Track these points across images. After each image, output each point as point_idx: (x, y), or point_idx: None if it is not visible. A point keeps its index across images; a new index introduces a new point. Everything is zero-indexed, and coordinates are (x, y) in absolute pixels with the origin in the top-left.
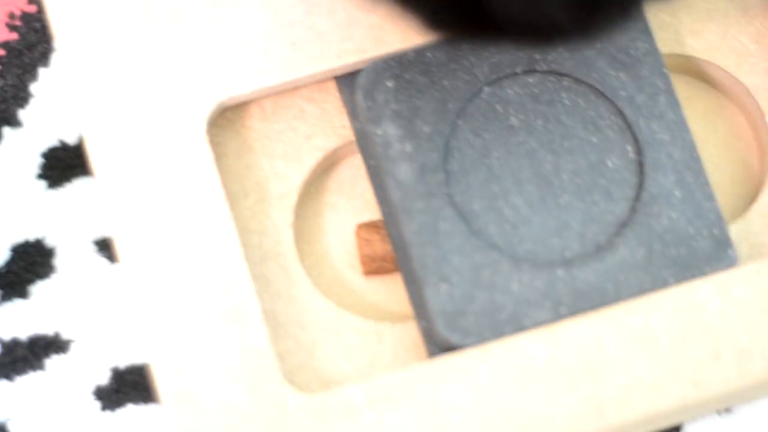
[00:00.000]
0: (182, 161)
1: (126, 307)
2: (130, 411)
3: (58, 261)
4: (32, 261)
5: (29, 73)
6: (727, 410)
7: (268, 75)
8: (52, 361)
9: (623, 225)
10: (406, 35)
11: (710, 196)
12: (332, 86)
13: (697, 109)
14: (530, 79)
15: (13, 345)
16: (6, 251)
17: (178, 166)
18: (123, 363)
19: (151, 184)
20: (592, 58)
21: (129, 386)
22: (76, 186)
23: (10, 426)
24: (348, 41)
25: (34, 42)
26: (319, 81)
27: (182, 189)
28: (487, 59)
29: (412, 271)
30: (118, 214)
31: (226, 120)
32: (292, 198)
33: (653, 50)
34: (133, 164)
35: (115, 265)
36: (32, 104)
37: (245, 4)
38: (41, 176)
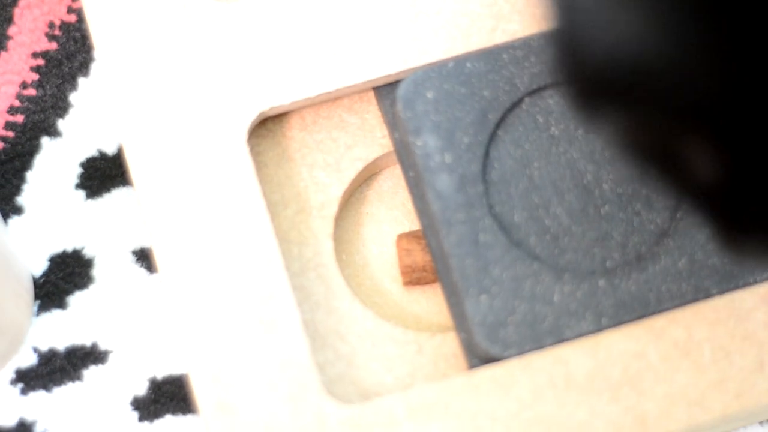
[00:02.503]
0: (223, 171)
1: (164, 317)
2: (168, 422)
3: (96, 271)
4: (70, 271)
5: (69, 83)
6: None
7: (310, 85)
8: (90, 372)
9: (665, 235)
10: (446, 45)
11: None
12: (372, 97)
13: None
14: None
15: (51, 355)
16: (44, 261)
17: (218, 176)
18: (161, 373)
19: (191, 193)
20: None
21: (167, 397)
22: (115, 196)
23: None
24: (389, 52)
25: (73, 52)
26: (359, 91)
27: (222, 199)
28: (528, 69)
29: (452, 282)
30: (157, 223)
31: (267, 130)
32: (332, 208)
33: None
34: (173, 174)
35: (154, 276)
36: (71, 114)
37: (287, 15)
38: (80, 186)
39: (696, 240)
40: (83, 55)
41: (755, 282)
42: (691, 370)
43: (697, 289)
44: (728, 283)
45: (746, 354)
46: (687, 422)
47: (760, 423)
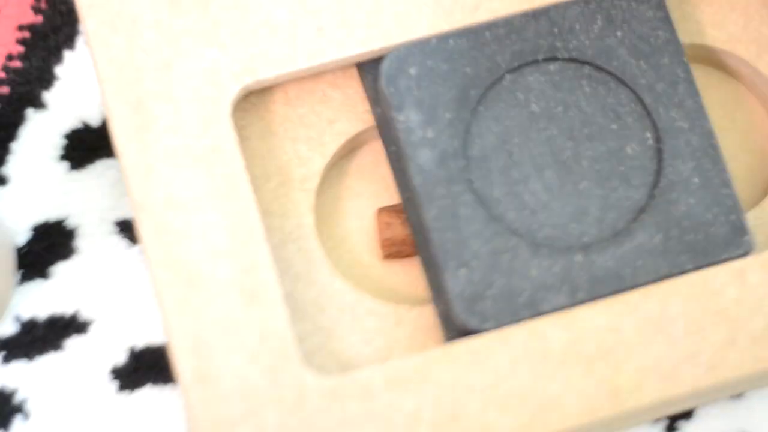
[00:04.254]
0: (207, 144)
1: (146, 287)
2: (148, 391)
3: (79, 242)
4: (53, 241)
5: (54, 55)
6: (739, 395)
7: (294, 60)
8: (71, 341)
9: (641, 211)
10: (429, 22)
11: (728, 184)
12: (355, 72)
13: (716, 99)
14: (551, 67)
15: (32, 325)
16: (28, 231)
17: (202, 149)
18: (141, 343)
19: (175, 165)
20: (613, 47)
21: (147, 367)
22: (99, 168)
23: (28, 405)
24: (373, 28)
25: (59, 25)
26: (342, 67)
27: (206, 171)
28: (509, 47)
29: (431, 256)
30: (140, 195)
31: (251, 104)
32: (314, 182)
33: (674, 40)
34: (158, 146)
35: (136, 247)
36: (57, 86)
37: None
38: (64, 157)
39: (672, 217)
40: (69, 28)
41: (729, 258)
42: (664, 344)
43: (671, 264)
44: (702, 260)
45: (718, 329)
46: (659, 395)
47: (731, 397)
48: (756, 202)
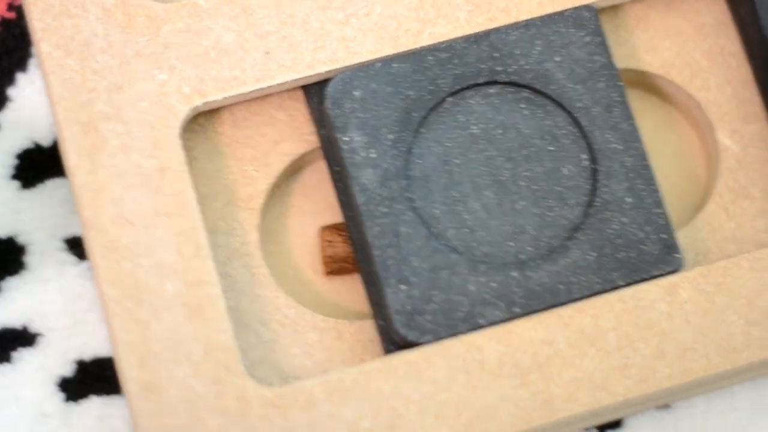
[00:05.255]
0: (156, 164)
1: (94, 302)
2: (94, 402)
3: (28, 258)
4: (3, 258)
5: (7, 77)
6: (667, 405)
7: (242, 83)
8: (19, 354)
9: (576, 229)
10: (374, 47)
11: (660, 203)
12: (301, 94)
13: (650, 122)
14: (491, 90)
15: None
16: None
17: (151, 169)
18: (88, 355)
19: (124, 185)
20: (551, 71)
21: (93, 378)
22: (49, 187)
23: None
24: (319, 52)
25: (12, 47)
26: (289, 89)
27: (154, 190)
28: (451, 71)
29: (372, 272)
30: (90, 212)
31: (199, 125)
32: (260, 201)
33: (609, 64)
34: (108, 165)
35: (85, 263)
36: (9, 107)
37: (222, 14)
38: (15, 177)
39: (605, 235)
40: (22, 50)
41: (660, 275)
42: (597, 356)
43: (604, 281)
44: (634, 276)
45: (649, 342)
46: (592, 405)
47: (657, 408)
48: (686, 221)
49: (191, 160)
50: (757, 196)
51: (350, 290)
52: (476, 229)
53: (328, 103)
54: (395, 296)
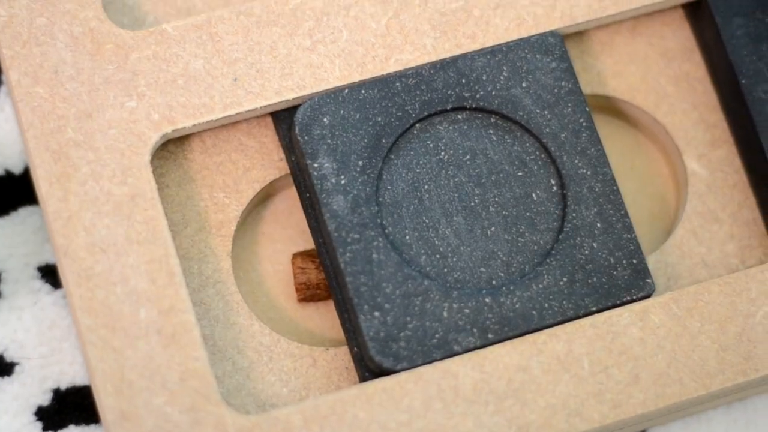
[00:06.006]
0: (127, 191)
1: (69, 330)
2: (72, 431)
3: (2, 287)
4: None
5: None
6: (643, 431)
7: (211, 110)
8: None
9: (547, 255)
10: (342, 73)
11: (629, 228)
12: (270, 121)
13: (618, 147)
14: (459, 116)
15: None
16: None
17: (122, 196)
18: (65, 384)
19: (96, 212)
20: (519, 97)
21: (70, 407)
22: (22, 214)
23: None
24: (287, 79)
25: None
26: (258, 116)
27: (126, 218)
28: (419, 97)
29: (346, 299)
30: (62, 240)
31: (170, 152)
32: (231, 228)
33: (576, 90)
34: (79, 193)
35: (59, 291)
36: None
37: (190, 41)
38: None
39: (576, 260)
40: None
41: (631, 300)
42: (571, 382)
43: (577, 306)
44: (606, 301)
45: (622, 368)
46: (567, 431)
47: None
48: (656, 246)
49: (162, 187)
50: (725, 220)
51: (324, 317)
52: (448, 255)
53: (297, 130)
54: (369, 323)
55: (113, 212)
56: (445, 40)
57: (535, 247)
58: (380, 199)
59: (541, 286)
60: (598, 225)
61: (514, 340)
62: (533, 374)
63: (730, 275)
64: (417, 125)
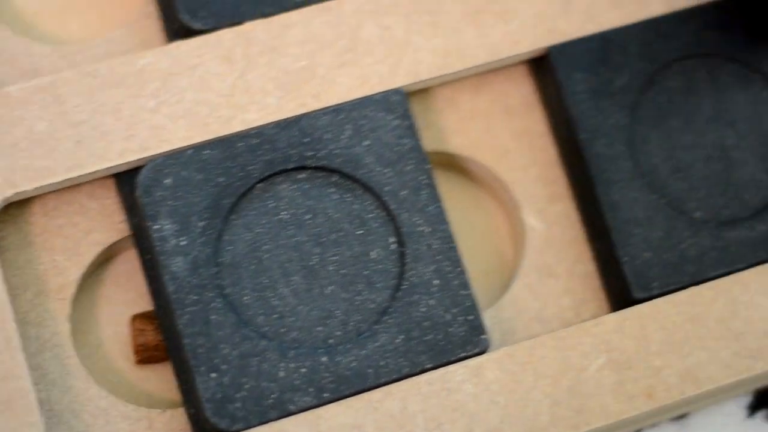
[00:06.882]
0: None
1: None
2: None
3: None
4: None
5: None
6: None
7: (53, 172)
8: None
9: (384, 313)
10: (185, 134)
11: (466, 285)
12: (113, 183)
13: (458, 203)
14: (301, 176)
15: None
16: None
17: None
18: None
19: None
20: (361, 155)
21: None
22: None
23: None
24: (130, 140)
25: None
26: (100, 178)
27: None
28: (261, 156)
29: (183, 361)
30: None
31: (10, 215)
32: (71, 291)
33: (417, 147)
34: None
35: None
36: None
37: (34, 103)
38: None
39: (413, 318)
40: None
41: (466, 357)
42: None
43: (412, 364)
44: (442, 358)
45: (456, 424)
46: None
47: None
48: (493, 301)
49: (1, 251)
50: (562, 275)
51: (162, 379)
52: (286, 314)
53: (138, 192)
54: (206, 384)
55: None
56: (290, 99)
57: (373, 306)
58: (220, 260)
59: (377, 344)
60: (435, 282)
61: (350, 399)
62: None
63: (564, 329)
64: (258, 185)
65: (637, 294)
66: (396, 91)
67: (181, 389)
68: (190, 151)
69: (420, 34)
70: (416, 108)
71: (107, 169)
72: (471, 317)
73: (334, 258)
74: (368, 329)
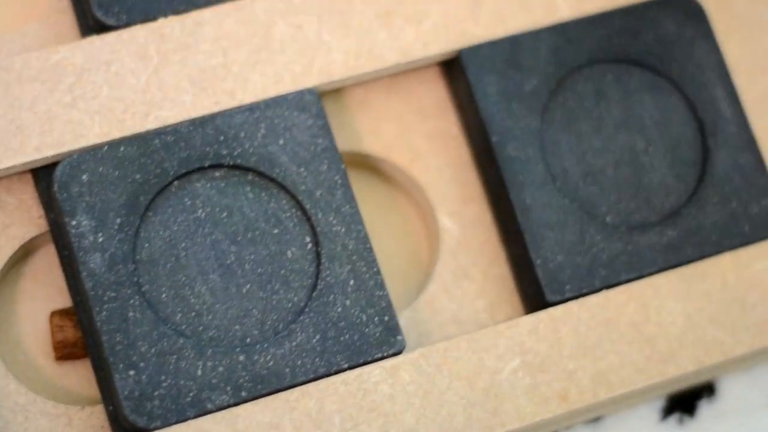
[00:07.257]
0: None
1: None
2: None
3: None
4: None
5: None
6: None
7: None
8: None
9: (301, 312)
10: (102, 130)
11: (381, 286)
12: (30, 178)
13: (373, 203)
14: (217, 174)
15: None
16: None
17: None
18: None
19: None
20: (276, 154)
21: None
22: None
23: None
24: (47, 135)
25: None
26: (18, 173)
27: None
28: (177, 154)
29: (101, 358)
30: None
31: None
32: None
33: (332, 147)
34: None
35: None
36: None
37: None
38: None
39: (329, 318)
40: None
41: (382, 357)
42: None
43: (328, 364)
44: (358, 358)
45: (372, 424)
46: None
47: None
48: (409, 302)
49: None
50: (476, 277)
51: (81, 375)
52: (203, 313)
53: (55, 188)
54: (124, 382)
55: None
56: (205, 96)
57: (289, 305)
58: (137, 257)
59: (294, 343)
60: (351, 282)
61: (267, 398)
62: None
63: (479, 331)
64: (175, 183)
65: (550, 297)
66: (309, 91)
67: (100, 386)
68: (106, 148)
69: (332, 35)
70: (330, 108)
71: (24, 164)
72: (386, 318)
73: (251, 257)
74: (285, 328)
